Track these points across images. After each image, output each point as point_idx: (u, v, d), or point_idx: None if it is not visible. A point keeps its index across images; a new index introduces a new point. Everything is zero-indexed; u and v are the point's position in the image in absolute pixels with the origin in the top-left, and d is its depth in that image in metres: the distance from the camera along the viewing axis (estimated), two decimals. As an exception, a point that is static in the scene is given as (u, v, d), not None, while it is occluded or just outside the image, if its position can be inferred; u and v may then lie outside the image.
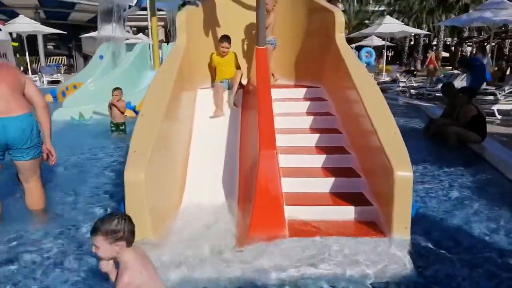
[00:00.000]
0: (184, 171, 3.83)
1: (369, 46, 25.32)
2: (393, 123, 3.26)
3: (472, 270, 2.65)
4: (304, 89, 4.99)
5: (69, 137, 6.81)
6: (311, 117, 4.48)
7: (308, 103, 4.75)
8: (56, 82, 17.70)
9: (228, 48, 5.00)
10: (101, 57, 12.07)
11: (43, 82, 17.90)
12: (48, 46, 28.31)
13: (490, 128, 6.14)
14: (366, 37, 24.13)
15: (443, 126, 6.23)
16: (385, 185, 2.93)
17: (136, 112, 9.42)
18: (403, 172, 2.82)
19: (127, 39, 11.85)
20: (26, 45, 18.74)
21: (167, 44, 12.83)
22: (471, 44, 27.85)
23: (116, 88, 6.94)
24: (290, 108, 4.68)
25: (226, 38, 4.98)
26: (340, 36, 4.52)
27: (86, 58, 22.82)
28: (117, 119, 6.99)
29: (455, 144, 5.89)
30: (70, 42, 27.64)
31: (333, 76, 4.63)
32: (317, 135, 4.18)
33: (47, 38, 25.17)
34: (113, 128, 7.03)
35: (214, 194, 3.65)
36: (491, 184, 4.33)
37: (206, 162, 3.99)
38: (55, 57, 28.23)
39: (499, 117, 7.96)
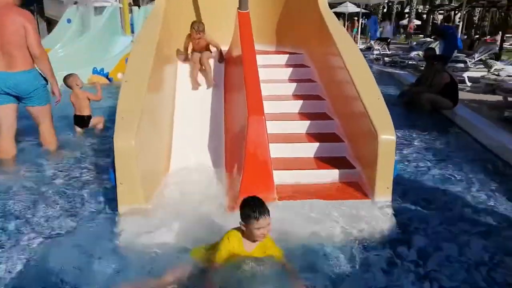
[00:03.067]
0: (170, 138, 3.82)
1: (344, 13, 25.18)
2: (376, 89, 3.35)
3: (448, 225, 2.85)
4: (286, 56, 4.99)
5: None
6: (294, 84, 4.52)
7: (290, 69, 4.76)
8: None
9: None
10: (68, 20, 11.42)
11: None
12: None
13: (461, 95, 6.39)
14: (340, 3, 23.94)
15: (417, 93, 6.43)
16: (369, 149, 3.05)
17: (109, 79, 9.15)
18: (387, 136, 2.94)
19: (95, 2, 11.26)
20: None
21: (138, 8, 12.32)
22: (442, 12, 28.20)
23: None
24: (272, 74, 4.67)
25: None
26: (323, 1, 4.50)
27: (50, 22, 21.53)
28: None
29: (428, 110, 6.12)
30: (31, 4, 25.93)
31: (316, 43, 4.64)
32: (300, 101, 4.24)
33: None
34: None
35: (201, 160, 3.68)
36: (463, 147, 4.59)
37: (191, 129, 3.98)
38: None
39: (469, 84, 8.26)
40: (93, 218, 2.93)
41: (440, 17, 30.95)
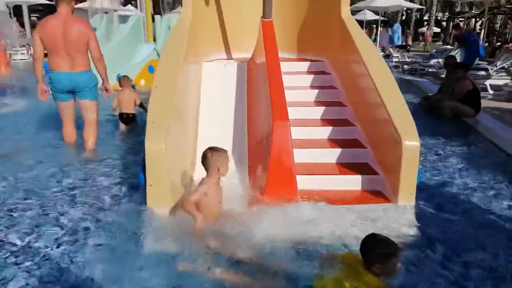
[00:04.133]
0: (195, 142, 3.94)
1: (362, 21, 25.11)
2: (400, 95, 3.39)
3: (471, 233, 2.85)
4: (307, 63, 5.07)
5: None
6: (316, 90, 4.59)
7: (311, 76, 4.84)
8: (45, 55, 17.25)
9: None
10: (94, 29, 11.80)
11: (30, 55, 17.46)
12: (32, 18, 27.41)
13: (483, 103, 6.34)
14: (358, 11, 23.94)
15: (438, 101, 6.41)
16: (393, 155, 3.09)
17: (133, 86, 9.38)
18: (411, 142, 2.98)
19: (119, 11, 11.60)
20: (12, 15, 18.19)
21: (161, 17, 12.61)
22: (462, 19, 27.90)
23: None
24: (293, 81, 4.74)
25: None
26: (345, 10, 4.57)
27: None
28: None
29: (450, 118, 6.09)
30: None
31: (338, 50, 4.71)
32: (322, 108, 4.30)
33: (31, 9, 24.36)
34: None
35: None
36: (486, 155, 4.56)
37: (215, 133, 4.08)
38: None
39: (491, 92, 8.17)
40: (122, 217, 3.01)
41: (461, 24, 30.57)
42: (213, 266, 2.37)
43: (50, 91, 4.55)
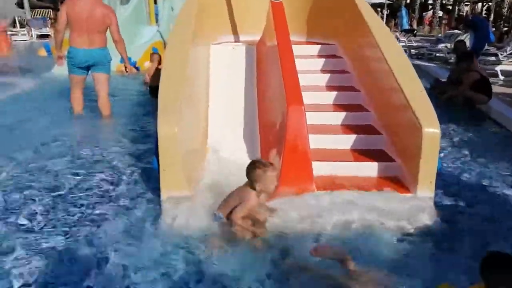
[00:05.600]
0: (206, 126, 3.84)
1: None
2: (418, 81, 3.27)
3: (491, 223, 2.78)
4: (318, 46, 4.93)
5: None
6: (327, 75, 4.46)
7: (322, 60, 4.70)
8: (45, 36, 17.03)
9: None
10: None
11: (32, 36, 17.22)
12: (31, -1, 26.97)
13: (494, 89, 6.20)
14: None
15: (448, 88, 6.31)
16: (412, 142, 2.99)
17: (137, 68, 9.23)
18: (431, 129, 2.87)
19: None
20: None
21: (163, -1, 12.34)
22: (468, 3, 27.39)
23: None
24: (304, 65, 4.57)
25: None
26: (358, -9, 4.41)
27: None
28: None
29: (462, 104, 5.99)
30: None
31: (349, 33, 4.57)
32: (334, 92, 4.18)
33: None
34: None
35: (235, 147, 3.69)
36: (501, 141, 4.47)
37: (224, 118, 4.00)
38: (39, 9, 26.96)
39: (502, 77, 8.02)
40: (136, 203, 2.97)
41: (467, 8, 30.05)
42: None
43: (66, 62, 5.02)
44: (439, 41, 12.94)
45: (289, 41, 3.82)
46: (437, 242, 2.51)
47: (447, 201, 3.01)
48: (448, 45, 11.63)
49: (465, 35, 11.39)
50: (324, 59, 4.70)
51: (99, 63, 4.99)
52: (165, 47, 9.37)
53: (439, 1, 30.10)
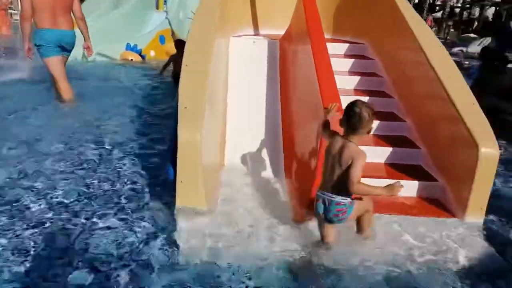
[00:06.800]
0: (224, 133, 3.46)
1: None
2: (469, 92, 2.92)
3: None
4: (346, 45, 4.55)
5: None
6: (355, 77, 4.08)
7: (351, 60, 4.32)
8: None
9: None
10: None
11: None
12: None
13: (521, 99, 5.85)
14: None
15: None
16: (463, 161, 2.64)
17: (143, 57, 8.82)
18: (489, 149, 2.53)
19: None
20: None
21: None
22: (478, 7, 26.80)
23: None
24: (330, 65, 4.25)
25: None
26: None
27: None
28: None
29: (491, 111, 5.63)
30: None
31: (384, 32, 4.18)
32: (363, 98, 3.79)
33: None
34: None
35: (255, 157, 3.34)
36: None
37: (243, 119, 3.63)
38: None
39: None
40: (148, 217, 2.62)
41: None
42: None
43: (35, 50, 4.69)
44: (453, 44, 12.57)
45: (323, 38, 3.45)
46: (485, 277, 2.20)
47: (499, 230, 2.67)
48: (464, 49, 11.26)
49: (482, 40, 11.03)
50: (352, 60, 4.32)
51: (70, 45, 4.81)
52: (172, 34, 8.95)
53: (449, 4, 29.61)
